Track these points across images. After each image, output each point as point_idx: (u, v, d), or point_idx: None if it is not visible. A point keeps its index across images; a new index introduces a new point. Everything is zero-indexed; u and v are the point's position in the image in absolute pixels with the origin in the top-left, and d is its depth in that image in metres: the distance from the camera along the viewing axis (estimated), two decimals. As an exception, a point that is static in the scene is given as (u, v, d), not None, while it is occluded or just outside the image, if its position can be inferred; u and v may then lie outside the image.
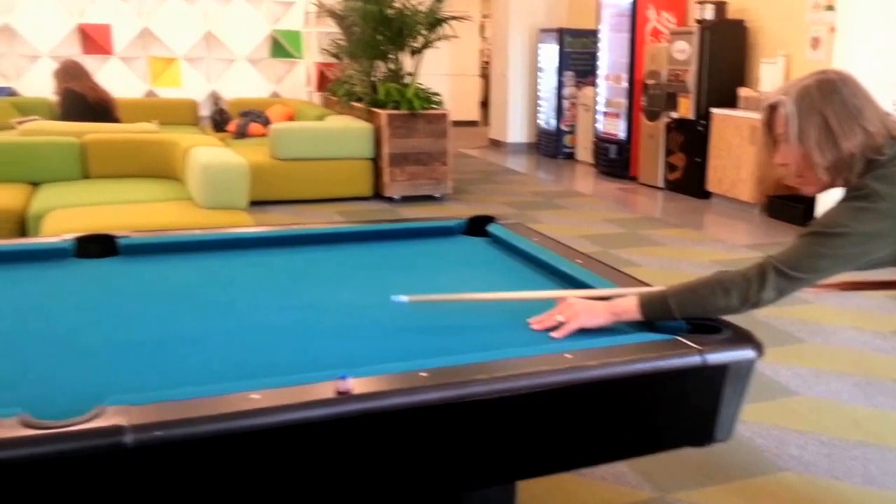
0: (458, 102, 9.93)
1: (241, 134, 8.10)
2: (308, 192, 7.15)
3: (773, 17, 7.40)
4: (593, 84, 9.49)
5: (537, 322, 1.80)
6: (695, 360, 1.56)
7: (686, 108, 7.73)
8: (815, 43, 6.86)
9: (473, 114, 13.98)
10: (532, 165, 10.05)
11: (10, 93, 8.58)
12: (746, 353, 1.61)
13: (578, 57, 10.13)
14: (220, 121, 8.61)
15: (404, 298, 1.82)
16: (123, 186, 4.95)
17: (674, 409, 1.63)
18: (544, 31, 10.54)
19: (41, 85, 8.32)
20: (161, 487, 1.26)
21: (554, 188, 8.47)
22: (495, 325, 1.86)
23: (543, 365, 1.52)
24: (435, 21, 7.65)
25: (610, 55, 9.02)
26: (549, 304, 1.85)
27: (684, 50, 7.69)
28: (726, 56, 7.55)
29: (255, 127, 8.16)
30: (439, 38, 7.78)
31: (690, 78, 7.63)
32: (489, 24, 12.52)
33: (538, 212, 6.72)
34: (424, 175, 7.45)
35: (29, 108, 7.30)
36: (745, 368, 1.62)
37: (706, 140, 7.54)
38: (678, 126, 7.88)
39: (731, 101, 7.43)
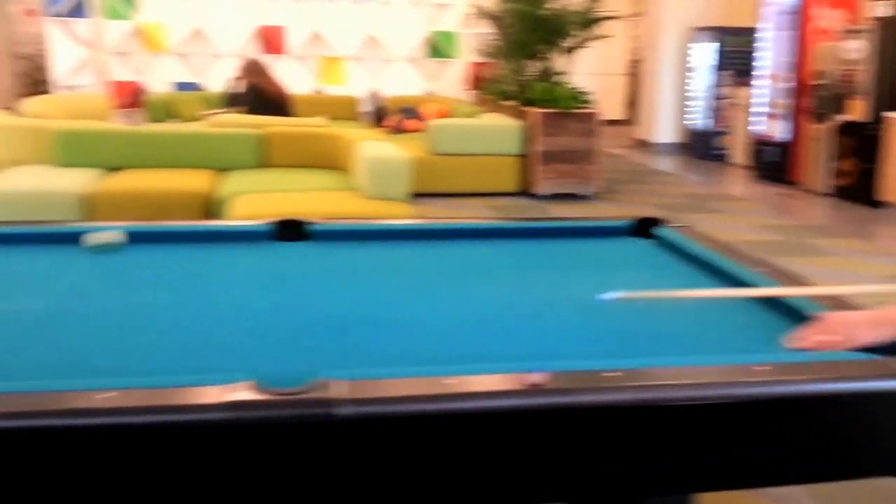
0: (605, 101, 9.77)
1: (398, 129, 8.31)
2: (459, 186, 7.27)
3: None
4: (749, 84, 9.12)
5: (798, 339, 1.63)
6: None
7: (858, 111, 7.27)
8: None
9: (619, 113, 13.74)
10: (681, 166, 9.77)
11: (197, 88, 9.17)
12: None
13: (735, 56, 9.76)
14: (379, 116, 8.86)
15: (614, 295, 1.76)
16: (297, 175, 5.22)
17: (874, 434, 1.51)
18: (699, 29, 10.22)
19: (223, 81, 8.84)
20: (366, 463, 1.33)
21: (705, 190, 8.21)
22: (679, 327, 1.83)
23: (735, 376, 1.47)
24: (589, 21, 7.59)
25: (772, 54, 8.64)
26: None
27: (857, 49, 7.25)
28: (905, 56, 7.02)
29: (411, 123, 8.36)
30: (593, 38, 7.71)
31: (864, 78, 7.17)
32: (638, 22, 12.24)
33: (689, 215, 6.53)
34: (573, 173, 7.41)
35: (212, 102, 7.78)
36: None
37: (880, 145, 7.04)
38: (848, 129, 7.42)
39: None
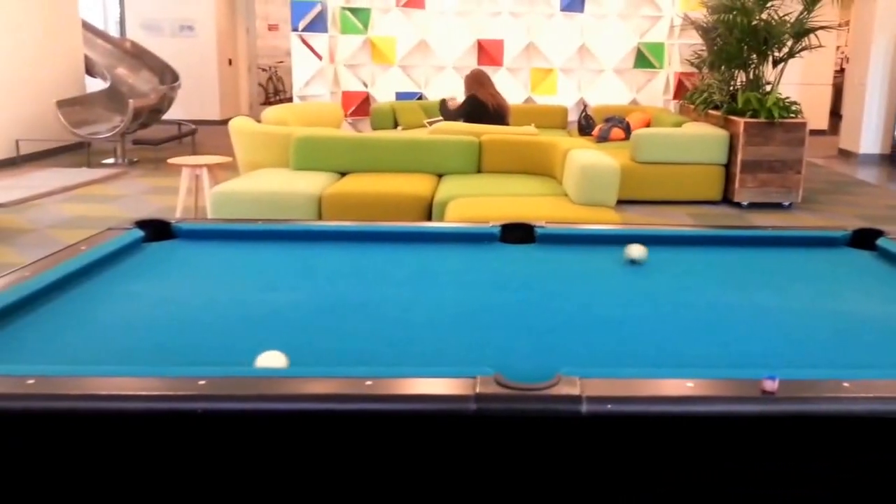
0: (808, 111, 9.09)
1: (604, 138, 8.20)
2: (662, 194, 7.07)
3: None
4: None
5: None
6: None
7: None
8: None
9: (822, 123, 12.76)
10: (885, 178, 8.93)
11: (419, 97, 9.51)
12: None
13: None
14: (585, 125, 8.78)
15: None
16: (510, 181, 5.28)
17: None
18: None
19: (443, 91, 9.09)
20: (600, 458, 1.33)
21: (912, 203, 7.46)
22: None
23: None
24: (802, 31, 7.12)
25: None
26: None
27: None
28: None
29: (615, 132, 8.22)
30: (805, 49, 7.23)
31: None
32: (845, 32, 11.31)
33: (893, 227, 5.93)
34: (775, 182, 7.00)
35: (431, 111, 8.05)
36: None
37: None
38: None
39: None
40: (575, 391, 1.29)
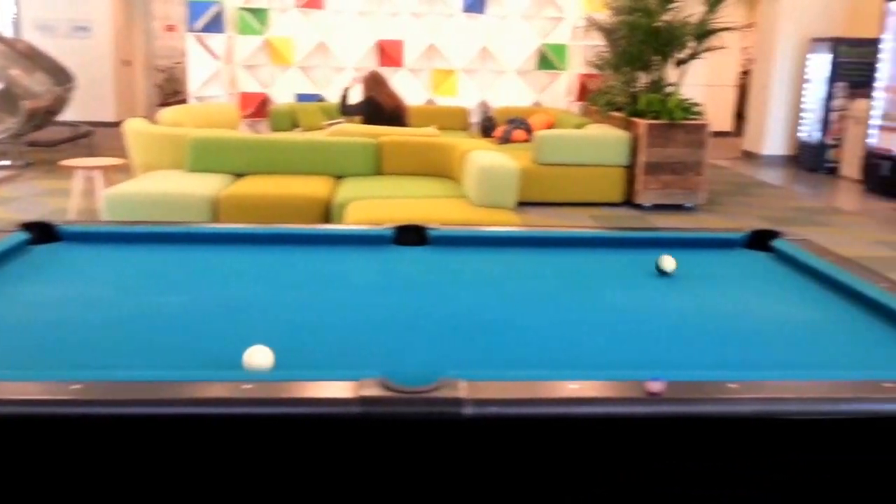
0: (713, 112, 9.48)
1: (506, 140, 8.30)
2: (564, 196, 7.20)
3: None
4: (865, 96, 8.68)
5: None
6: None
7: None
8: None
9: (727, 124, 13.31)
10: (789, 178, 9.38)
11: (318, 99, 9.43)
12: None
13: (853, 67, 9.31)
14: (487, 127, 8.88)
15: None
16: (409, 183, 5.29)
17: None
18: (816, 40, 9.79)
19: (338, 90, 9.08)
20: (483, 460, 1.33)
21: (814, 204, 7.85)
22: (800, 340, 1.75)
23: (858, 391, 1.39)
24: (704, 32, 7.39)
25: (892, 66, 8.20)
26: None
27: None
28: None
29: (518, 133, 8.33)
30: (707, 50, 7.51)
31: None
32: (749, 33, 11.83)
33: (796, 228, 6.20)
34: (678, 184, 7.23)
35: (332, 112, 7.97)
36: None
37: None
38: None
39: None
40: (458, 394, 1.28)
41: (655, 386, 1.36)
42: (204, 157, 5.48)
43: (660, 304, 1.98)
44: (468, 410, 1.27)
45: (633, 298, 2.02)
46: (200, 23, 9.26)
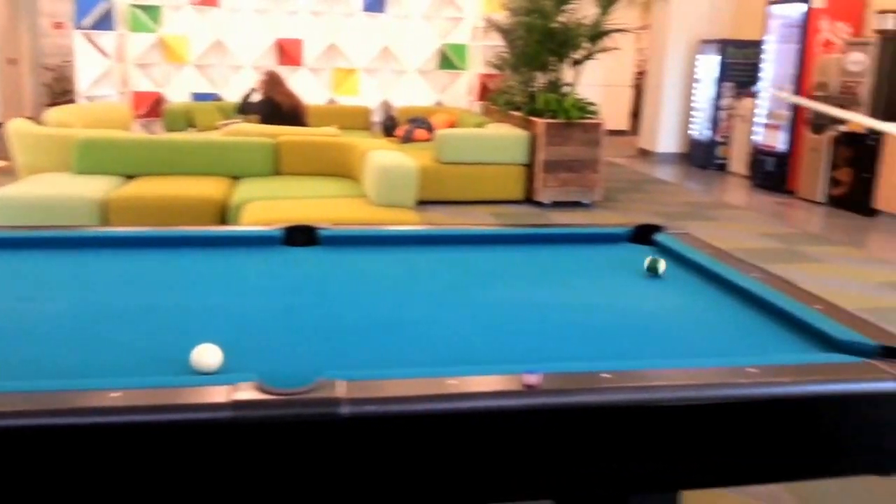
0: (609, 112, 9.74)
1: (407, 139, 8.32)
2: (465, 194, 7.28)
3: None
4: (753, 95, 9.10)
5: None
6: (890, 386, 1.45)
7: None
8: None
9: (623, 123, 13.72)
10: (681, 175, 9.74)
11: (215, 98, 9.21)
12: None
13: (739, 67, 9.75)
14: (389, 126, 8.88)
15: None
16: (308, 183, 5.22)
17: (860, 434, 1.52)
18: (705, 41, 10.20)
19: (242, 91, 8.89)
20: (365, 459, 1.33)
21: (704, 199, 8.18)
22: (676, 330, 1.82)
23: (726, 377, 1.47)
24: (598, 34, 7.58)
25: (775, 66, 8.63)
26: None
27: (860, 61, 7.21)
28: (908, 68, 6.98)
29: (419, 133, 8.37)
30: (601, 50, 7.71)
31: (864, 90, 7.13)
32: (645, 35, 12.23)
33: (687, 223, 6.50)
34: (575, 182, 7.41)
35: (229, 112, 7.80)
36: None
37: (877, 155, 7.01)
38: (847, 139, 7.39)
39: (909, 116, 6.88)
40: (335, 394, 1.28)
41: (532, 379, 1.39)
42: (92, 158, 5.27)
43: (545, 299, 2.02)
44: (345, 410, 1.26)
45: (520, 295, 2.05)
46: (89, 20, 8.90)
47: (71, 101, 11.46)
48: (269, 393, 1.28)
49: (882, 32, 7.14)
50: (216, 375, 1.36)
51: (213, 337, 1.65)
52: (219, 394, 1.27)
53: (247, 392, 1.27)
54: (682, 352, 1.67)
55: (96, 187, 4.87)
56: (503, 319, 1.85)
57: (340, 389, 1.29)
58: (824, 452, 1.51)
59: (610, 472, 1.46)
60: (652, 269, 2.24)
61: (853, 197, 7.35)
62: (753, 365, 1.50)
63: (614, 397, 1.41)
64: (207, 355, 1.44)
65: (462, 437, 1.35)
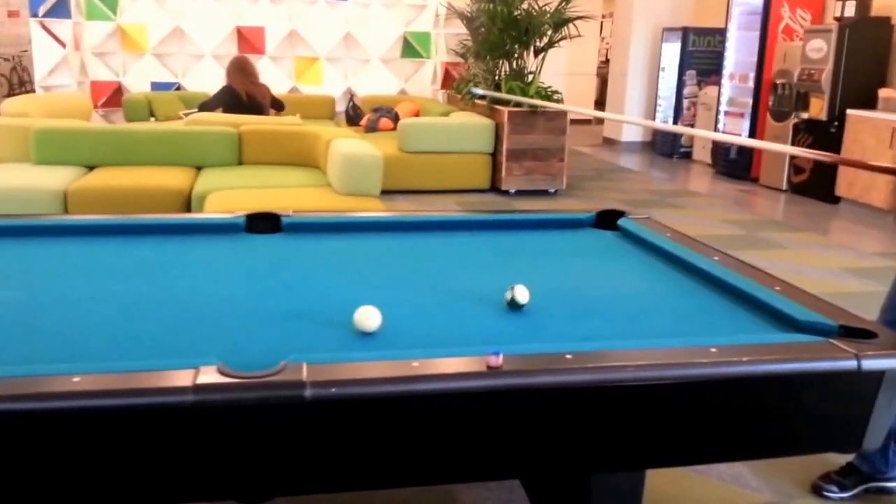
0: (574, 101, 9.78)
1: (372, 128, 8.29)
2: (430, 183, 7.28)
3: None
4: (716, 83, 9.21)
5: None
6: (849, 364, 1.48)
7: (818, 109, 7.34)
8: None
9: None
10: (646, 164, 9.84)
11: (177, 87, 9.08)
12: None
13: (702, 56, 9.87)
14: (353, 115, 8.83)
15: None
16: (272, 172, 5.18)
17: (820, 412, 1.55)
18: (668, 29, 10.29)
19: (203, 80, 8.82)
20: (329, 441, 1.33)
21: (669, 187, 8.27)
22: (638, 312, 1.85)
23: (687, 357, 1.49)
24: (561, 21, 7.61)
25: (737, 54, 8.76)
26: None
27: (820, 48, 7.32)
28: (867, 55, 7.14)
29: (384, 122, 8.35)
30: (564, 38, 7.74)
31: (825, 77, 7.24)
32: (609, 23, 12.31)
33: (652, 210, 6.50)
34: (540, 170, 7.45)
35: (191, 101, 7.70)
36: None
37: (838, 142, 7.12)
38: (808, 127, 7.51)
39: (869, 103, 6.99)
40: (298, 377, 1.29)
41: (494, 360, 1.40)
42: (50, 148, 5.18)
43: (508, 284, 2.03)
44: (308, 392, 1.27)
45: (484, 279, 2.07)
46: (43, 8, 8.72)
47: (29, 91, 11.24)
48: (231, 376, 1.28)
49: (840, 20, 7.26)
50: (179, 360, 1.35)
51: (172, 322, 1.66)
52: (182, 378, 1.27)
53: (209, 375, 1.27)
54: (644, 333, 1.70)
55: (56, 178, 4.79)
56: (466, 303, 1.86)
57: (303, 372, 1.30)
58: (786, 430, 1.55)
59: (573, 451, 1.48)
60: (512, 304, 1.84)
61: (815, 184, 7.47)
62: (715, 345, 1.53)
63: (576, 378, 1.43)
64: (370, 317, 1.59)
65: (426, 419, 1.37)
